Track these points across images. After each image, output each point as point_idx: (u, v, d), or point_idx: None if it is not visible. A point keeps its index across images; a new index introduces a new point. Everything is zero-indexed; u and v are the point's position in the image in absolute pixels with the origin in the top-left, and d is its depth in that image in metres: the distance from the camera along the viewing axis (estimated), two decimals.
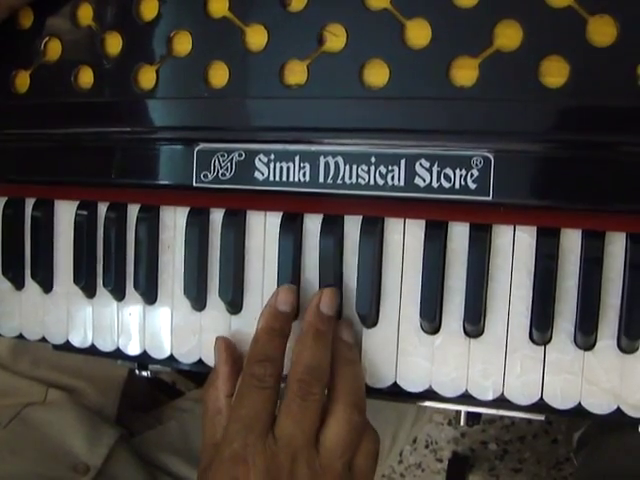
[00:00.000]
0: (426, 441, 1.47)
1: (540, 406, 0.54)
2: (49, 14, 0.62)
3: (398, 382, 0.56)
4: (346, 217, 0.56)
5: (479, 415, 0.60)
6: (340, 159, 0.54)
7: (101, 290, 0.64)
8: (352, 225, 0.56)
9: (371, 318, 0.56)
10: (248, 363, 0.55)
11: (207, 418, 0.57)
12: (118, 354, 0.65)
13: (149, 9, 0.59)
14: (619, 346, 0.51)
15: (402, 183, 0.53)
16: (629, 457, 0.79)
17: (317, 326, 0.54)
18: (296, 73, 0.54)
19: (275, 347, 0.55)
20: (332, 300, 0.55)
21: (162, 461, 0.81)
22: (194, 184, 0.58)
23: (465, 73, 0.50)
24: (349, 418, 0.52)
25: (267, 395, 0.53)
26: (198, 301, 0.60)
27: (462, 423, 0.61)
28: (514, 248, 0.53)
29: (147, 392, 1.02)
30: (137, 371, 0.67)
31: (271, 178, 0.56)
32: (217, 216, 0.59)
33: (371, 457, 0.54)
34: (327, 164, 0.55)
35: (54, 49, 0.62)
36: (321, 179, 0.55)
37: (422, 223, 0.54)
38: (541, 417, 0.56)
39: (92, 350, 0.66)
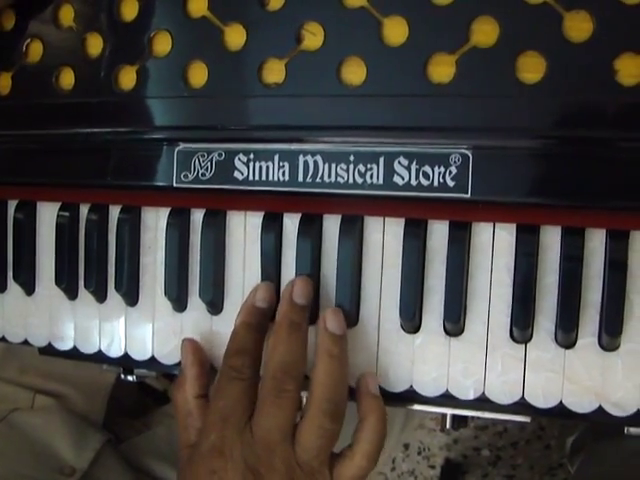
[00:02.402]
0: (418, 448, 1.46)
1: (522, 406, 0.53)
2: (31, 15, 0.62)
3: (379, 382, 0.55)
4: (325, 216, 0.56)
5: (465, 418, 0.59)
6: (319, 158, 0.54)
7: (83, 292, 0.64)
8: (331, 224, 0.56)
9: (351, 318, 0.55)
10: (226, 356, 0.55)
11: (180, 421, 0.57)
12: (100, 357, 0.64)
13: (129, 10, 0.59)
14: (600, 344, 0.51)
15: (381, 181, 0.53)
16: (625, 463, 0.78)
17: (291, 317, 0.54)
18: (275, 72, 0.54)
19: (252, 341, 0.55)
20: (305, 289, 0.55)
21: (149, 467, 0.81)
22: (174, 184, 0.58)
23: (442, 70, 0.50)
24: (320, 424, 0.51)
25: (244, 386, 0.53)
26: (179, 302, 0.60)
27: (448, 426, 0.60)
28: (494, 246, 0.53)
29: (136, 398, 1.01)
30: (122, 375, 0.67)
31: (251, 177, 0.56)
32: (197, 216, 0.59)
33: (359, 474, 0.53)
34: (306, 163, 0.55)
35: (36, 50, 0.62)
36: (300, 178, 0.55)
37: (401, 221, 0.54)
38: (526, 419, 0.56)
39: (75, 353, 0.66)
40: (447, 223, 0.53)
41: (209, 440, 0.52)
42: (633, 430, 0.53)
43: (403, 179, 0.53)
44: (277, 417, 0.51)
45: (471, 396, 0.54)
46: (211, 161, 0.57)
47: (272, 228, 0.57)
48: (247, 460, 0.51)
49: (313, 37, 0.53)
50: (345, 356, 0.54)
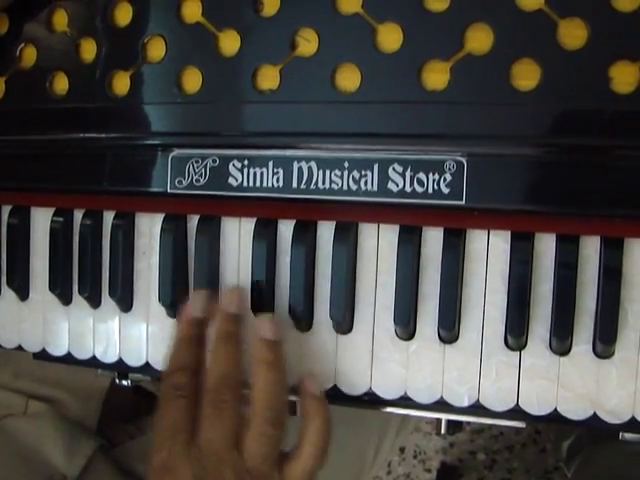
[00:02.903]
0: (414, 451, 1.46)
1: (517, 412, 0.53)
2: (24, 20, 0.62)
3: (373, 389, 0.55)
4: (320, 222, 0.56)
5: (460, 423, 0.59)
6: (313, 164, 0.54)
7: (77, 297, 0.63)
8: (326, 230, 0.55)
9: (345, 324, 0.55)
10: (166, 374, 0.55)
11: None
12: (94, 362, 0.64)
13: (123, 15, 0.59)
14: (594, 351, 0.51)
15: (375, 188, 0.53)
16: (621, 466, 0.78)
17: (225, 328, 0.55)
18: (269, 78, 0.54)
19: (191, 356, 0.55)
20: (235, 297, 0.56)
21: (142, 472, 0.81)
22: (169, 190, 0.58)
23: (437, 77, 0.50)
24: (263, 432, 0.52)
25: (187, 403, 0.53)
26: (173, 308, 0.60)
27: (443, 431, 0.60)
28: (488, 253, 0.53)
29: (131, 403, 1.01)
30: (117, 380, 0.66)
31: (245, 184, 0.56)
32: (192, 222, 0.59)
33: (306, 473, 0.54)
34: (300, 169, 0.55)
35: (29, 55, 0.62)
36: (294, 184, 0.55)
37: (396, 228, 0.54)
38: (521, 424, 0.56)
39: (69, 358, 0.65)
40: (442, 230, 0.53)
41: (159, 457, 0.53)
42: (628, 435, 0.53)
43: (397, 186, 0.52)
44: (219, 428, 0.52)
45: (465, 403, 0.54)
46: (205, 167, 0.57)
47: (266, 234, 0.56)
48: (196, 475, 0.51)
49: (307, 43, 0.53)
50: (282, 362, 0.54)
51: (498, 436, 1.41)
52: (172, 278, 0.59)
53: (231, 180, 0.56)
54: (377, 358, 0.55)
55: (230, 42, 0.55)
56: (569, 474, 0.90)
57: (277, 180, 0.55)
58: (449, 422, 0.58)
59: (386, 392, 0.55)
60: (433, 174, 0.52)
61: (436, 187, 0.52)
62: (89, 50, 0.59)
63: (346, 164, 0.53)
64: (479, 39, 0.49)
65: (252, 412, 0.52)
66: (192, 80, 0.56)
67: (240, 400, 0.53)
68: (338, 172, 0.54)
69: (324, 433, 0.54)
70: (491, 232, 0.52)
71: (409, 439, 1.44)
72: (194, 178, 0.57)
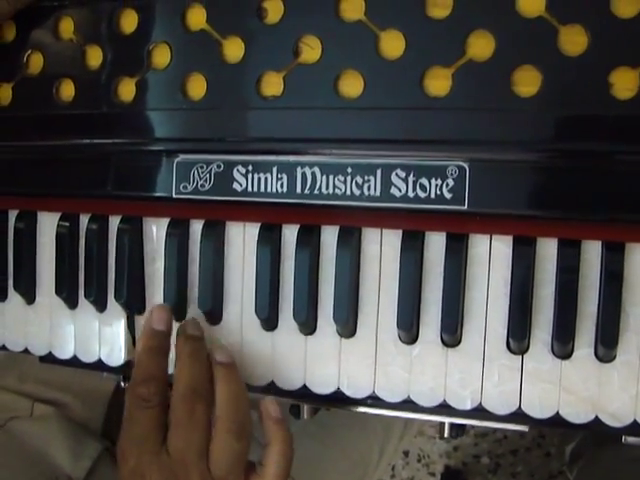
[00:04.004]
0: (418, 455, 1.46)
1: (519, 416, 0.53)
2: (31, 27, 0.62)
3: (376, 392, 0.56)
4: (323, 227, 0.56)
5: (463, 427, 0.59)
6: (317, 169, 0.55)
7: (83, 301, 0.64)
8: (329, 235, 0.56)
9: (349, 328, 0.56)
10: (132, 385, 0.56)
11: None
12: (100, 365, 0.65)
13: (129, 22, 0.59)
14: (596, 355, 0.51)
15: (378, 193, 0.53)
16: (623, 470, 0.78)
17: (189, 347, 0.56)
18: (272, 84, 0.55)
19: (156, 365, 0.56)
20: (195, 323, 0.58)
21: None
22: (174, 195, 0.59)
23: (439, 83, 0.51)
24: (229, 444, 0.53)
25: (154, 413, 0.54)
26: (178, 312, 0.60)
27: (446, 434, 0.60)
28: (490, 257, 0.53)
29: None
30: (122, 384, 0.67)
31: (249, 189, 0.56)
32: (197, 227, 0.60)
33: None
34: (304, 175, 0.55)
35: (36, 62, 0.62)
36: (298, 190, 0.55)
37: (399, 233, 0.54)
38: (524, 428, 0.56)
39: (75, 362, 0.66)
40: (444, 235, 0.53)
41: (128, 466, 0.53)
42: (630, 439, 0.53)
43: (400, 191, 0.53)
44: (190, 438, 0.53)
45: (468, 406, 0.54)
46: (210, 172, 0.57)
47: (270, 239, 0.57)
48: None
49: (311, 50, 0.54)
50: (241, 379, 0.56)
51: (502, 440, 1.42)
52: (177, 282, 0.60)
53: (235, 185, 0.57)
54: (380, 362, 0.56)
55: (234, 49, 0.56)
56: (571, 477, 0.90)
57: (281, 185, 0.56)
58: (452, 425, 0.59)
59: (389, 395, 0.56)
60: (435, 179, 0.52)
61: (438, 192, 0.52)
62: (95, 57, 0.60)
63: (349, 169, 0.54)
64: (480, 46, 0.50)
65: (217, 426, 0.54)
66: (197, 86, 0.57)
67: (210, 410, 0.54)
68: (341, 177, 0.54)
69: (285, 454, 0.55)
70: (493, 237, 0.53)
71: (413, 443, 1.44)
72: (199, 183, 0.58)
